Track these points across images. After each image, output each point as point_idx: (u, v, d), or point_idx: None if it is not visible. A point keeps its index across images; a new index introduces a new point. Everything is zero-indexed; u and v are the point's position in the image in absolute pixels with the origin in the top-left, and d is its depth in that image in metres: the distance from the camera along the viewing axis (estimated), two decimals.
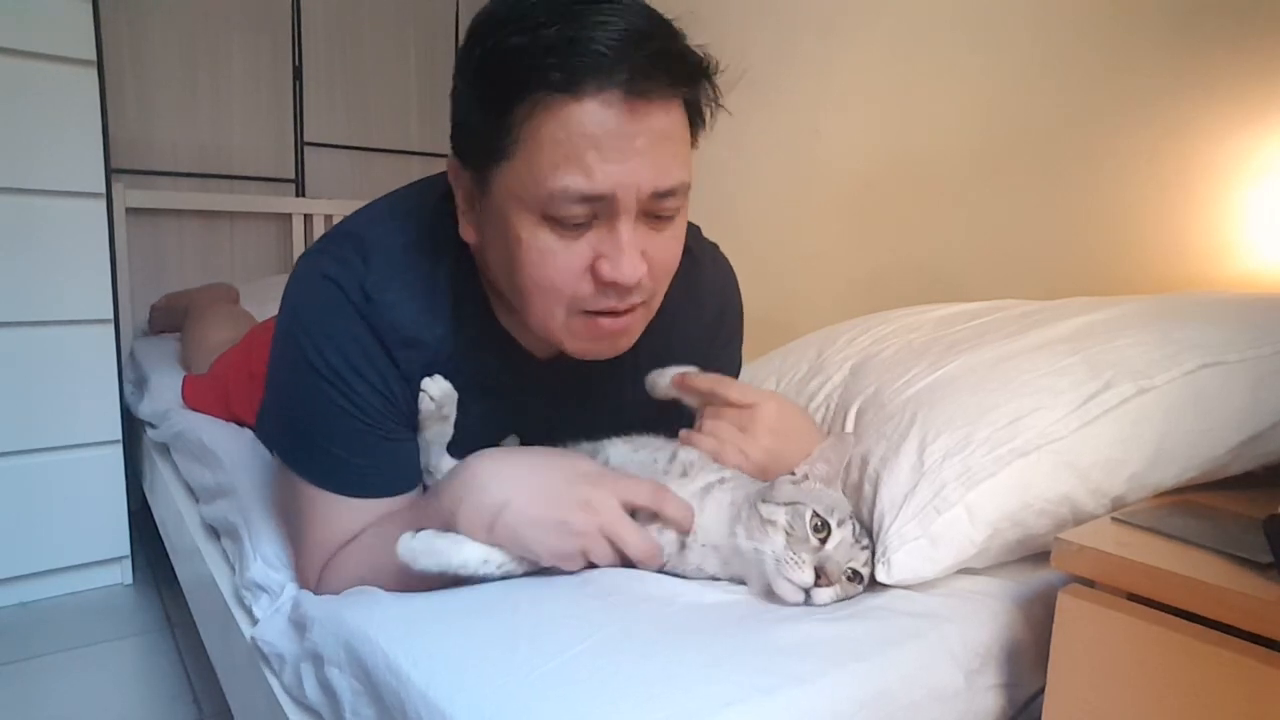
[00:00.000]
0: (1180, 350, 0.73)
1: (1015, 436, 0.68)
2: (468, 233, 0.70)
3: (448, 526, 0.66)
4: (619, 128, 0.60)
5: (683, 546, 0.70)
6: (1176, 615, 0.52)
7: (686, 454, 0.76)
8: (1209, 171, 1.02)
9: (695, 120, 0.67)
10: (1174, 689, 0.51)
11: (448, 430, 0.75)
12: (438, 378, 0.73)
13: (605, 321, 0.68)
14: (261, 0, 2.25)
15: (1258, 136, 0.98)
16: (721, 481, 0.72)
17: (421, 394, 0.73)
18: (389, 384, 0.72)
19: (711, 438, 0.77)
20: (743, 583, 0.70)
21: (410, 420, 0.75)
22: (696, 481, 0.72)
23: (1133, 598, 0.54)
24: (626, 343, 0.72)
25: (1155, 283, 1.07)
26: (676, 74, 0.62)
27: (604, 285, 0.65)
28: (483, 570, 0.64)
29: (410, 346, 0.72)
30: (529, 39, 0.59)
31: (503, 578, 0.65)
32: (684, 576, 0.70)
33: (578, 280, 0.65)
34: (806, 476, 0.71)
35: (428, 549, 0.64)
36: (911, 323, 0.99)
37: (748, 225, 1.75)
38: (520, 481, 0.65)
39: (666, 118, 0.62)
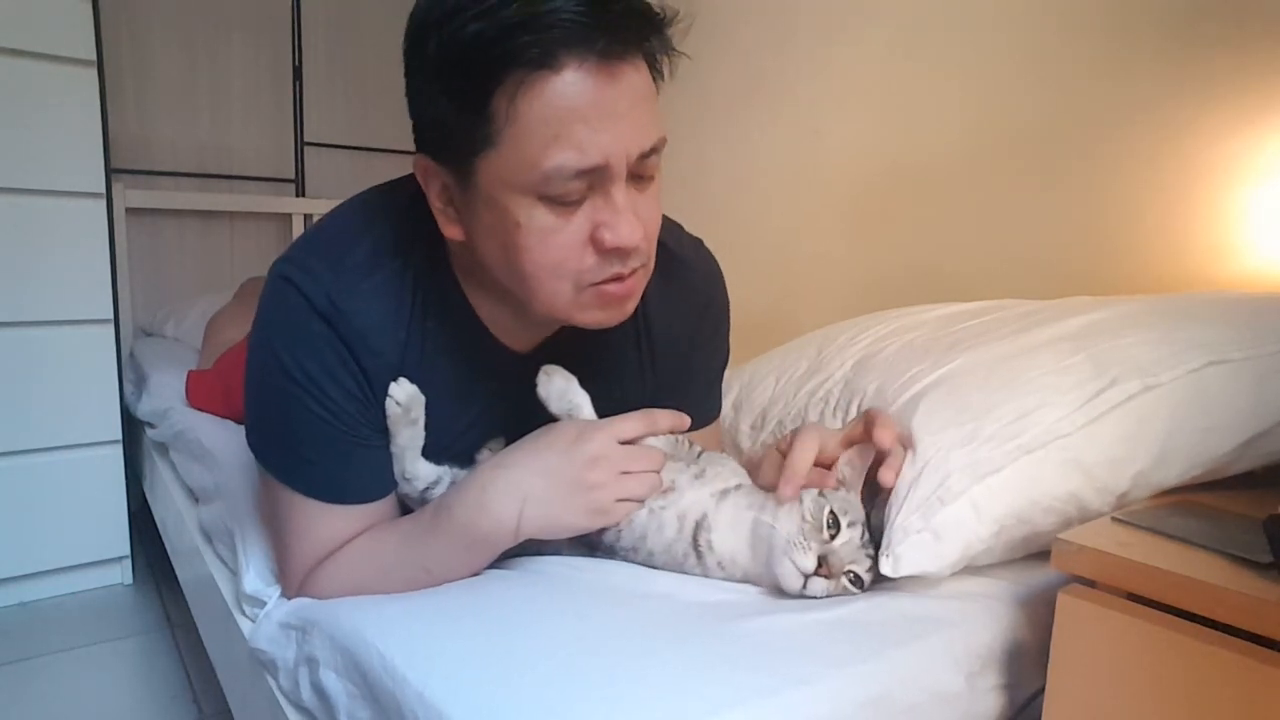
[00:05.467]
0: (1185, 348, 0.73)
1: (1021, 433, 0.68)
2: (450, 230, 0.69)
3: (470, 547, 0.69)
4: (601, 95, 0.59)
5: (697, 554, 0.71)
6: (1176, 615, 0.52)
7: (707, 459, 0.78)
8: (1209, 172, 1.02)
9: (656, 73, 0.66)
10: (1174, 689, 0.51)
11: (419, 434, 0.75)
12: (403, 381, 0.72)
13: (612, 288, 0.68)
14: (261, 0, 2.25)
15: (1257, 137, 0.98)
16: (738, 487, 0.74)
17: (388, 399, 0.72)
18: (361, 390, 0.71)
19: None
20: (756, 584, 0.71)
21: (383, 426, 0.74)
22: (714, 484, 0.73)
23: (1133, 598, 0.54)
24: (632, 306, 0.72)
25: (1156, 283, 1.06)
26: (642, 30, 0.62)
27: (606, 253, 0.65)
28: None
29: (377, 355, 0.71)
30: (488, 23, 0.57)
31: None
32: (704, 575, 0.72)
33: (581, 254, 0.65)
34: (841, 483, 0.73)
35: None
36: (912, 322, 0.99)
37: (748, 226, 1.75)
38: (524, 475, 0.68)
39: (639, 76, 0.62)
